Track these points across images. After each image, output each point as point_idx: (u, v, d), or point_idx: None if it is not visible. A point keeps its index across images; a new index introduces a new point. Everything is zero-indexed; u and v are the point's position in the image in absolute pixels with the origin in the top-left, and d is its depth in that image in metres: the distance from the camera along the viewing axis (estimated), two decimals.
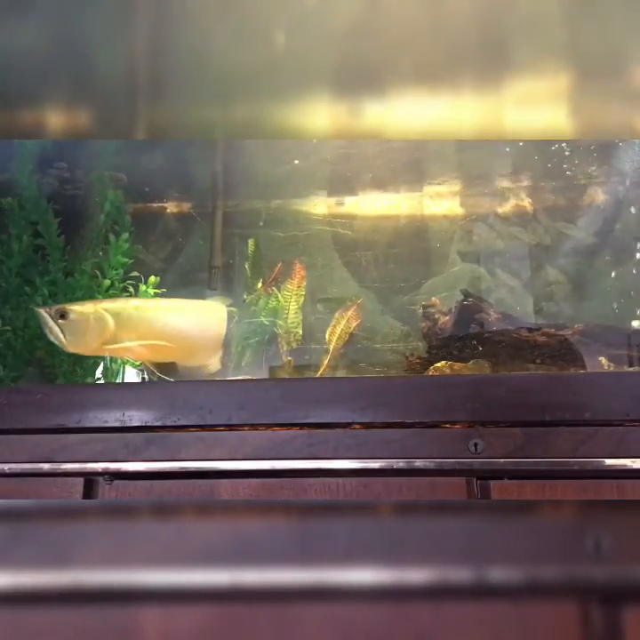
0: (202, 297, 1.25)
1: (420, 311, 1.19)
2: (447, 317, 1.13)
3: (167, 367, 0.99)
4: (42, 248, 1.14)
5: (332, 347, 1.21)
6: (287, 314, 1.24)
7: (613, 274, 1.29)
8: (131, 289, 1.15)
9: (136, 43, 0.61)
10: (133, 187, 1.31)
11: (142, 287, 1.16)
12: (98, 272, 1.14)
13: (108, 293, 1.12)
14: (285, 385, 0.77)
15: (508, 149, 1.37)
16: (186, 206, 1.46)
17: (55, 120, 0.71)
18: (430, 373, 0.99)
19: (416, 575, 0.31)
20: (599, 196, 1.34)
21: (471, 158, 1.39)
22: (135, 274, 1.16)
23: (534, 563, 0.31)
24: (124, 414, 0.73)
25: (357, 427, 0.70)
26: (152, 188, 1.42)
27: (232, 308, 1.12)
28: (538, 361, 1.00)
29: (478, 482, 0.68)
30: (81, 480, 0.72)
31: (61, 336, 0.90)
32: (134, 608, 0.31)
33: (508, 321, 1.11)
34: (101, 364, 1.11)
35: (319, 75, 0.64)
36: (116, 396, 0.75)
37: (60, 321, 0.90)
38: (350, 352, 1.24)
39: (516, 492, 0.67)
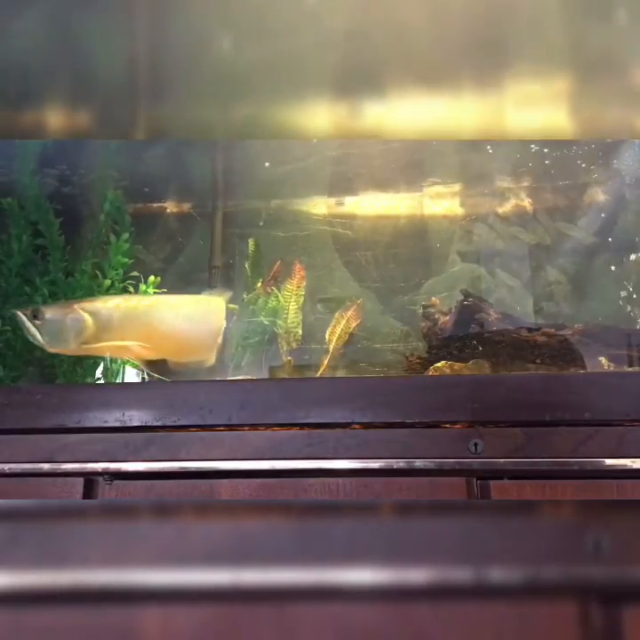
0: None
1: (420, 311, 1.19)
2: (447, 317, 1.13)
3: (159, 364, 0.98)
4: (42, 248, 1.14)
5: (331, 347, 1.21)
6: (287, 314, 1.24)
7: (613, 274, 1.29)
8: (131, 289, 1.15)
9: (136, 43, 0.61)
10: (133, 187, 1.31)
11: (142, 287, 1.16)
12: (98, 272, 1.14)
13: (109, 293, 1.12)
14: (285, 385, 0.77)
15: (508, 150, 1.37)
16: (186, 206, 1.46)
17: (55, 120, 0.71)
18: (430, 373, 0.99)
19: (416, 575, 0.31)
20: (599, 195, 1.34)
21: (471, 158, 1.39)
22: (135, 274, 1.16)
23: (534, 563, 0.31)
24: (124, 414, 0.73)
25: (357, 427, 0.70)
26: (152, 188, 1.42)
27: (234, 306, 1.12)
28: (538, 361, 1.00)
29: (478, 482, 0.68)
30: (81, 480, 0.72)
31: (38, 336, 0.90)
32: (134, 608, 0.31)
33: (508, 321, 1.11)
34: (101, 364, 1.11)
35: (319, 75, 0.64)
36: (115, 396, 0.75)
37: (35, 322, 0.90)
38: (350, 352, 1.24)
39: (515, 492, 0.67)
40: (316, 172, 1.40)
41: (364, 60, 0.63)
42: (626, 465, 0.67)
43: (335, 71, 0.64)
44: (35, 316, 0.90)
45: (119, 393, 0.76)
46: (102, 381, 1.10)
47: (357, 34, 0.59)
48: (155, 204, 1.45)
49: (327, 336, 1.22)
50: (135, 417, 0.73)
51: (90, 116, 0.71)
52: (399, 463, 0.68)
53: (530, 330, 1.04)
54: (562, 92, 0.67)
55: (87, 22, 0.58)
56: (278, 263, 1.28)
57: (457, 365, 0.99)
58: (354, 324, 1.24)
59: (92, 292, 1.11)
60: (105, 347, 0.92)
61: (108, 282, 1.13)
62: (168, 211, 1.45)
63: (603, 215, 1.32)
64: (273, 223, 1.41)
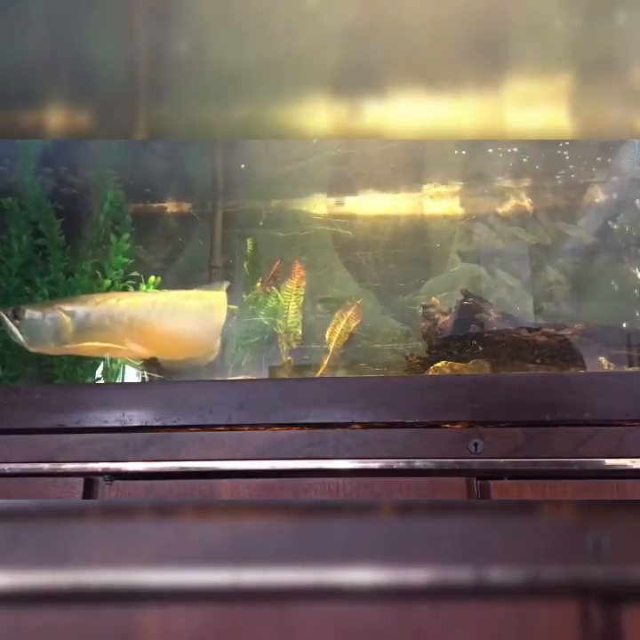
0: None
1: (420, 311, 1.19)
2: (447, 317, 1.13)
3: (159, 363, 0.98)
4: (42, 248, 1.14)
5: (331, 347, 1.21)
6: (287, 314, 1.24)
7: (613, 274, 1.29)
8: (131, 289, 1.15)
9: (136, 43, 0.61)
10: (133, 187, 1.31)
11: (143, 287, 1.16)
12: (98, 272, 1.14)
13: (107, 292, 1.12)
14: (285, 385, 0.77)
15: (509, 149, 1.37)
16: (186, 206, 1.46)
17: (55, 120, 0.71)
18: (430, 373, 0.99)
19: (416, 575, 0.31)
20: (599, 195, 1.34)
21: (471, 158, 1.39)
22: (135, 274, 1.16)
23: (534, 563, 0.31)
24: (124, 414, 0.73)
25: (357, 427, 0.70)
26: (152, 188, 1.42)
27: (234, 307, 1.12)
28: (538, 361, 1.00)
29: (478, 482, 0.68)
30: (81, 480, 0.72)
31: (19, 336, 0.90)
32: (134, 608, 0.31)
33: (508, 321, 1.11)
34: (101, 364, 1.11)
35: (319, 75, 0.64)
36: (116, 396, 0.75)
37: (15, 321, 0.90)
38: (350, 352, 1.24)
39: (516, 492, 0.67)
40: (315, 172, 1.40)
41: (363, 60, 0.63)
42: (626, 465, 0.67)
43: (335, 71, 0.64)
44: (15, 316, 0.90)
45: (119, 393, 0.76)
46: (102, 381, 1.10)
47: (357, 34, 0.59)
48: (155, 204, 1.45)
49: (327, 336, 1.22)
50: (135, 417, 0.73)
51: (90, 116, 0.71)
52: (399, 463, 0.68)
53: (530, 330, 1.04)
54: (562, 91, 0.67)
55: (87, 22, 0.58)
56: (278, 263, 1.28)
57: (457, 365, 0.99)
58: (354, 324, 1.24)
59: (93, 292, 1.11)
60: (86, 347, 0.91)
61: (108, 282, 1.13)
62: (168, 211, 1.45)
63: (603, 215, 1.32)
64: (273, 223, 1.41)
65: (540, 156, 1.37)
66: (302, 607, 0.31)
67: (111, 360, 1.10)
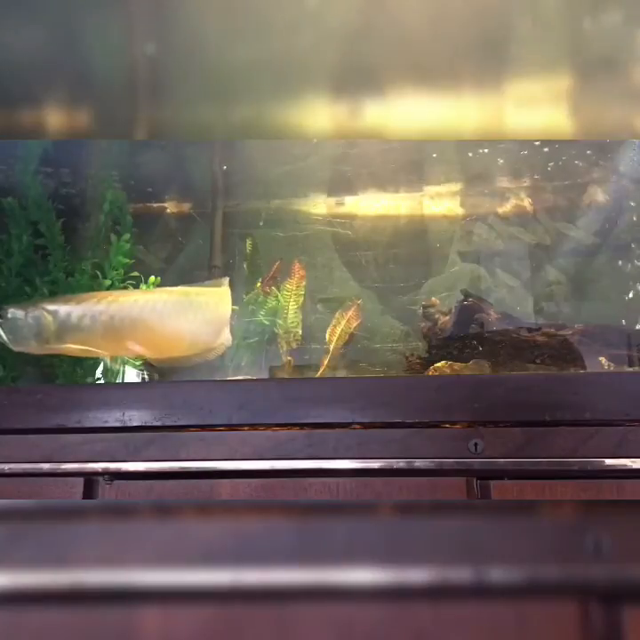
0: None
1: (420, 311, 1.19)
2: (447, 317, 1.13)
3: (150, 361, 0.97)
4: (42, 248, 1.14)
5: (332, 347, 1.21)
6: (287, 314, 1.24)
7: (613, 274, 1.29)
8: (130, 289, 1.15)
9: (136, 43, 0.61)
10: (133, 187, 1.31)
11: (143, 287, 1.16)
12: (98, 272, 1.14)
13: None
14: (285, 385, 0.77)
15: (509, 149, 1.37)
16: (186, 206, 1.46)
17: (55, 120, 0.71)
18: (430, 373, 0.99)
19: (416, 575, 0.31)
20: (599, 195, 1.34)
21: (471, 158, 1.39)
22: (135, 274, 1.16)
23: (534, 563, 0.31)
24: (124, 414, 0.73)
25: (357, 427, 0.70)
26: (152, 188, 1.42)
27: (234, 307, 1.11)
28: (538, 361, 1.00)
29: (478, 482, 0.68)
30: (81, 480, 0.72)
31: (3, 336, 0.89)
32: (134, 608, 0.31)
33: (507, 321, 1.11)
34: (101, 364, 1.11)
35: (319, 75, 0.64)
36: (115, 396, 0.75)
37: None
38: (350, 352, 1.24)
39: (516, 492, 0.67)
40: (315, 172, 1.40)
41: (363, 60, 0.63)
42: (626, 465, 0.67)
43: (335, 71, 0.64)
44: None
45: (119, 393, 0.76)
46: (102, 381, 1.10)
47: (357, 34, 0.59)
48: (155, 204, 1.45)
49: (327, 336, 1.22)
50: (135, 417, 0.73)
51: (90, 116, 0.71)
52: (399, 463, 0.68)
53: (530, 330, 1.04)
54: (562, 91, 0.66)
55: (87, 22, 0.58)
56: (277, 263, 1.28)
57: (457, 365, 0.99)
58: (354, 324, 1.24)
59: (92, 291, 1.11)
60: (70, 348, 0.89)
61: (108, 282, 1.13)
62: (168, 211, 1.45)
63: (603, 215, 1.32)
64: (273, 223, 1.41)
65: (540, 156, 1.37)
66: (302, 607, 0.31)
67: (111, 360, 1.10)
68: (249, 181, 1.43)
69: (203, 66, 0.63)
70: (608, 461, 0.67)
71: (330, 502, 0.45)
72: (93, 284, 1.12)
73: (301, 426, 0.71)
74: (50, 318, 0.88)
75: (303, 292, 1.25)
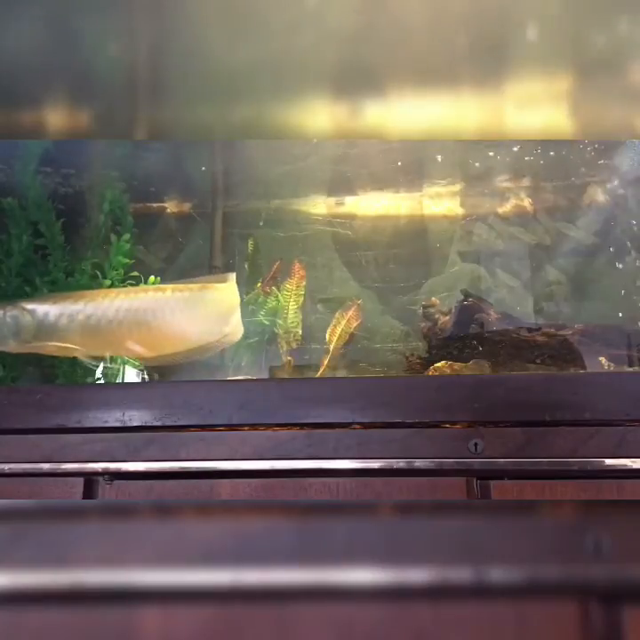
0: None
1: (420, 311, 1.19)
2: (447, 317, 1.13)
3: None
4: (42, 248, 1.14)
5: (332, 347, 1.21)
6: (287, 313, 1.24)
7: (613, 274, 1.29)
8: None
9: (136, 43, 0.61)
10: (134, 187, 1.31)
11: (142, 287, 1.15)
12: (98, 272, 1.14)
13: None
14: (285, 385, 0.77)
15: (509, 149, 1.37)
16: (186, 206, 1.46)
17: (55, 120, 0.71)
18: (430, 373, 0.99)
19: (416, 575, 0.31)
20: (599, 195, 1.34)
21: (471, 158, 1.39)
22: (135, 274, 1.16)
23: (534, 563, 0.31)
24: (124, 414, 0.73)
25: (357, 427, 0.70)
26: (152, 188, 1.42)
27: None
28: (538, 361, 1.00)
29: (478, 482, 0.68)
30: (81, 480, 0.72)
31: None
32: (134, 608, 0.31)
33: (507, 321, 1.11)
34: (101, 364, 1.11)
35: (319, 75, 0.64)
36: (115, 396, 0.75)
37: None
38: (350, 352, 1.24)
39: (516, 492, 0.67)
40: (315, 172, 1.40)
41: (364, 60, 0.63)
42: (626, 465, 0.67)
43: (335, 71, 0.64)
44: None
45: (119, 393, 0.76)
46: (102, 381, 1.10)
47: (357, 34, 0.59)
48: (155, 204, 1.45)
49: (327, 336, 1.22)
50: (135, 417, 0.73)
51: (90, 116, 0.71)
52: (399, 463, 0.68)
53: (530, 330, 1.04)
54: (562, 91, 0.67)
55: (87, 22, 0.58)
56: (277, 263, 1.28)
57: (457, 365, 0.99)
58: (354, 324, 1.24)
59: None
60: (50, 347, 0.88)
61: (108, 282, 1.13)
62: (168, 211, 1.45)
63: (603, 215, 1.32)
64: (273, 223, 1.40)
65: (540, 156, 1.37)
66: (302, 607, 0.31)
67: (111, 360, 1.09)
68: (249, 181, 1.43)
69: (203, 66, 0.63)
70: (608, 461, 0.67)
71: (330, 502, 0.45)
72: (93, 284, 1.12)
73: (301, 426, 0.71)
74: (29, 318, 0.87)
75: (303, 292, 1.25)
